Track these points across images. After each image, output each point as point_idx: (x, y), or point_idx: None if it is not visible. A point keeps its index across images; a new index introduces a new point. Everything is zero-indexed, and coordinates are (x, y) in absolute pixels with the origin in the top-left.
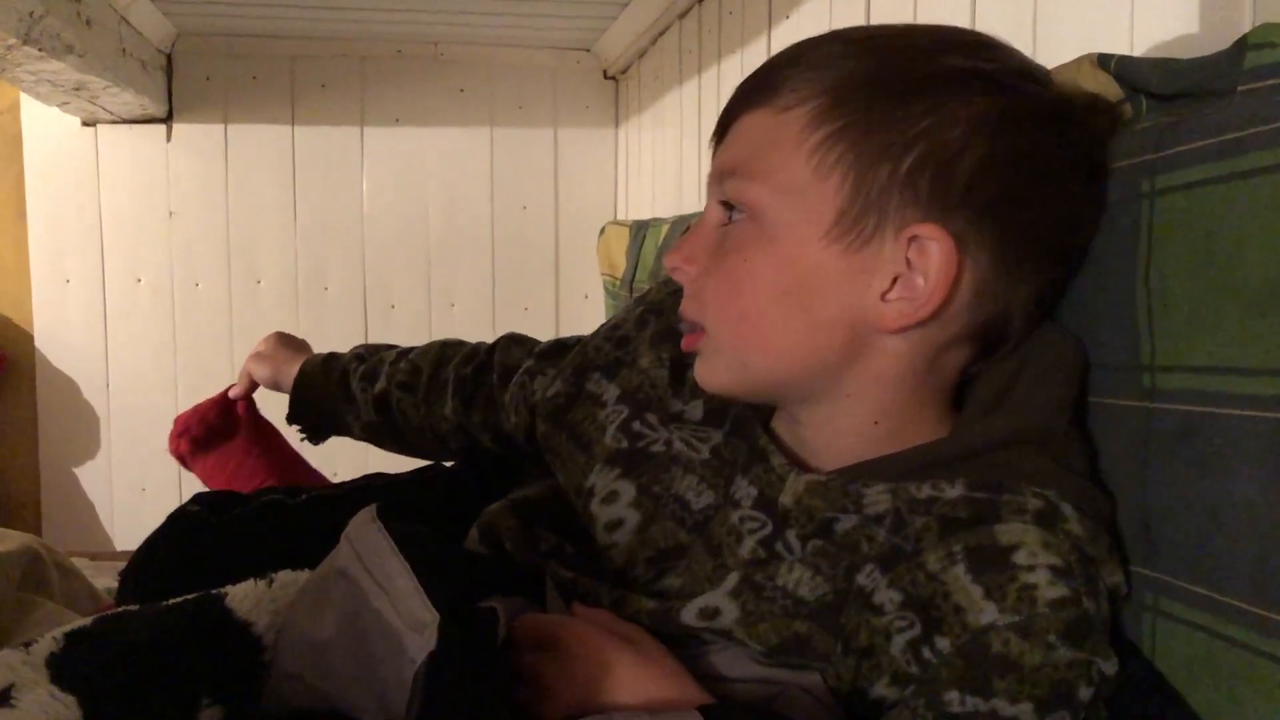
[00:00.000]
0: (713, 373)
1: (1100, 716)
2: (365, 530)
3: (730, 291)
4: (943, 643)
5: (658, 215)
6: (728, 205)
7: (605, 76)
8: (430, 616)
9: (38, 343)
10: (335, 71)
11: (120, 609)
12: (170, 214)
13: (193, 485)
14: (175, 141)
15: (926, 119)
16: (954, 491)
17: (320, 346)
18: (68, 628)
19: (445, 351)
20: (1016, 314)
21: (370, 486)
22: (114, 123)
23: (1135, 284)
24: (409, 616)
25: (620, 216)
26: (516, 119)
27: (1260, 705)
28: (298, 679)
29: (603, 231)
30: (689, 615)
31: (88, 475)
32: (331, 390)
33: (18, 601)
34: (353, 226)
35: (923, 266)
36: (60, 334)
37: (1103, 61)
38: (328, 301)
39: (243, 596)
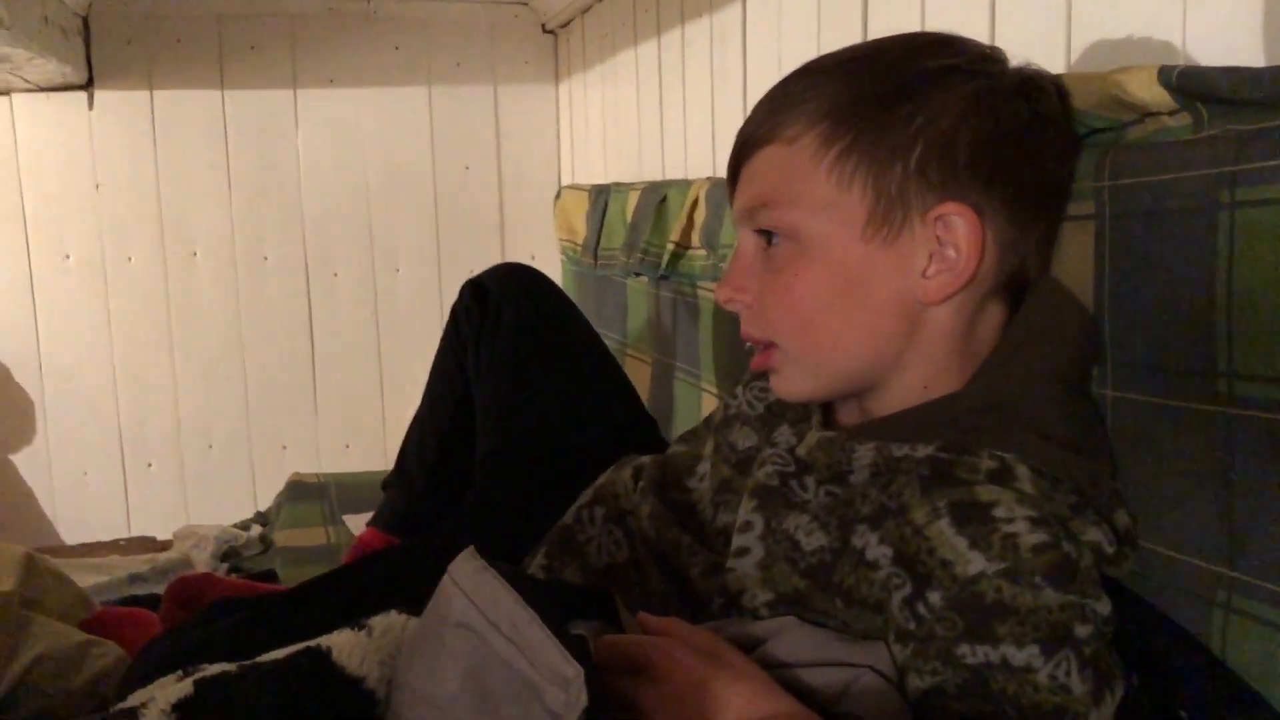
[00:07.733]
0: (790, 383)
1: (1110, 659)
2: (480, 579)
3: (791, 304)
4: (934, 596)
5: (614, 179)
6: (762, 233)
7: (544, 31)
8: (574, 671)
9: None
10: (264, 32)
11: (219, 670)
12: (97, 186)
13: (138, 470)
14: (98, 110)
15: (919, 116)
16: (925, 451)
17: (261, 316)
18: (171, 698)
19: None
20: (1032, 256)
21: None
22: (30, 91)
23: (1213, 292)
24: (547, 669)
25: (565, 176)
26: (455, 76)
27: None
28: None
29: (559, 196)
30: (732, 560)
31: (25, 462)
32: None
33: (16, 619)
34: (290, 193)
35: (952, 239)
36: None
37: (1163, 75)
38: (267, 271)
39: (348, 650)
